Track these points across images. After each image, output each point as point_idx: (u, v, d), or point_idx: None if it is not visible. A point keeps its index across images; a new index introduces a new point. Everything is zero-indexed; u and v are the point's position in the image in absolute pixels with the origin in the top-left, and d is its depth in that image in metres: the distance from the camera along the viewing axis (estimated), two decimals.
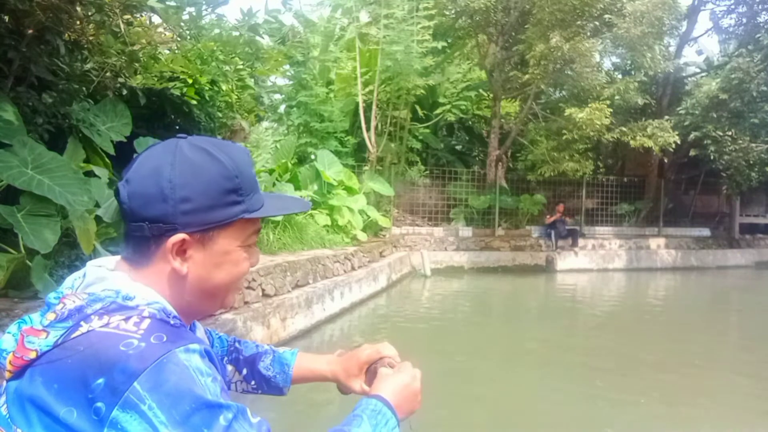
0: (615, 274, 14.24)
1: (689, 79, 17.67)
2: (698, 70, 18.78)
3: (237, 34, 8.52)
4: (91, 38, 5.91)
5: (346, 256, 9.10)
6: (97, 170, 5.31)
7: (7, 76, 4.88)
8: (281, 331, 6.15)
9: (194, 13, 7.32)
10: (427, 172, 15.65)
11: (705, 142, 14.50)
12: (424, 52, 13.30)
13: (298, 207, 0.93)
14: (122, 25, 5.69)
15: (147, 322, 0.72)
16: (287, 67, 15.54)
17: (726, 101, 13.96)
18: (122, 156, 5.66)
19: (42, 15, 4.84)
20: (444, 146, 16.98)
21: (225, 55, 8.61)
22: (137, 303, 0.75)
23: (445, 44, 14.99)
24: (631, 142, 13.92)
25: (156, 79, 7.76)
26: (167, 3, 6.26)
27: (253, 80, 10.34)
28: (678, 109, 14.93)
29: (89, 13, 5.50)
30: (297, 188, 10.04)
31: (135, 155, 0.83)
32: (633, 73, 15.19)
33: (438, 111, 15.42)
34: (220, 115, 8.49)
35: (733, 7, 16.21)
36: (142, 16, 6.98)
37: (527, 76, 13.28)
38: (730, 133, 14.31)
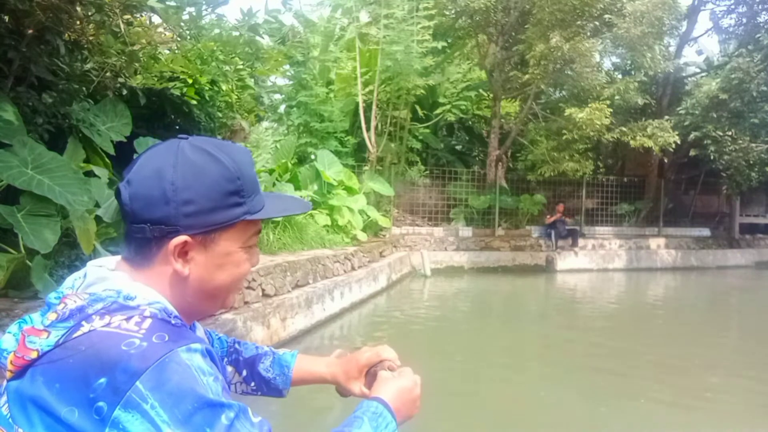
0: (615, 274, 14.24)
1: (689, 79, 17.67)
2: (698, 70, 18.78)
3: (237, 34, 8.51)
4: (91, 38, 5.91)
5: (346, 256, 9.10)
6: (97, 170, 5.31)
7: (7, 76, 4.88)
8: (281, 331, 6.15)
9: (194, 13, 7.31)
10: (427, 172, 15.65)
11: (705, 142, 14.50)
12: (424, 52, 13.30)
13: (299, 208, 0.93)
14: (122, 25, 5.69)
15: (148, 321, 0.72)
16: (287, 67, 15.54)
17: (726, 101, 13.96)
18: (122, 156, 5.66)
19: (42, 15, 4.84)
20: (444, 146, 16.98)
21: (225, 55, 8.61)
22: (138, 303, 0.75)
23: (445, 44, 14.99)
24: (631, 142, 13.92)
25: (156, 79, 7.76)
26: (167, 3, 6.26)
27: (253, 80, 10.34)
28: (678, 109, 14.93)
29: (89, 13, 5.50)
30: (297, 188, 10.04)
31: (135, 156, 0.83)
32: (633, 73, 15.19)
33: (438, 111, 15.42)
34: (220, 115, 8.49)
35: (733, 7, 16.22)
36: (142, 16, 6.97)
37: (527, 76, 13.28)
38: (730, 133, 14.32)
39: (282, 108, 17.40)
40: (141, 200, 0.78)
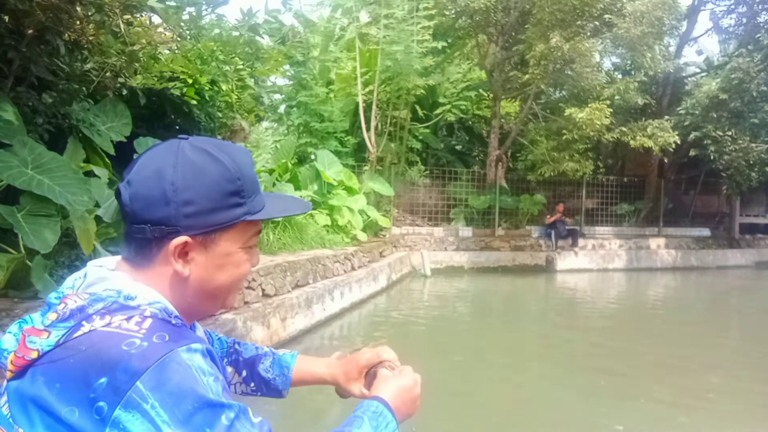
0: (615, 274, 14.24)
1: (689, 79, 17.67)
2: (698, 70, 18.78)
3: (237, 34, 8.51)
4: (91, 38, 5.91)
5: (346, 256, 9.10)
6: (97, 170, 5.31)
7: (7, 76, 4.88)
8: (281, 331, 6.15)
9: (194, 13, 7.31)
10: (427, 172, 15.65)
11: (705, 142, 14.50)
12: (424, 52, 13.30)
13: (299, 208, 0.93)
14: (122, 25, 5.69)
15: (149, 321, 0.72)
16: (287, 67, 15.54)
17: (726, 101, 13.96)
18: (122, 156, 5.67)
19: (42, 15, 4.84)
20: (444, 146, 16.98)
21: (225, 55, 8.61)
22: (139, 303, 0.75)
23: (445, 44, 14.99)
24: (631, 142, 13.92)
25: (156, 79, 7.76)
26: (167, 3, 6.26)
27: (253, 80, 10.33)
28: (678, 109, 14.93)
29: (89, 13, 5.50)
30: (297, 188, 10.04)
31: (135, 156, 0.83)
32: (633, 73, 15.19)
33: (438, 111, 15.42)
34: (220, 115, 8.49)
35: (733, 7, 16.22)
36: (142, 16, 6.97)
37: (527, 76, 13.28)
38: (730, 133, 14.31)
39: (282, 108, 17.40)
40: (141, 201, 0.78)
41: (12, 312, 3.56)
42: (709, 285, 13.61)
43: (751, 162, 14.42)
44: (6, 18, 4.98)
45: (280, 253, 7.80)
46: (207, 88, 8.06)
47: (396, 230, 13.66)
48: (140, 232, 0.78)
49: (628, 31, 12.69)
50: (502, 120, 15.66)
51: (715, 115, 14.19)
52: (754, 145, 14.31)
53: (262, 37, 9.49)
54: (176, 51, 8.04)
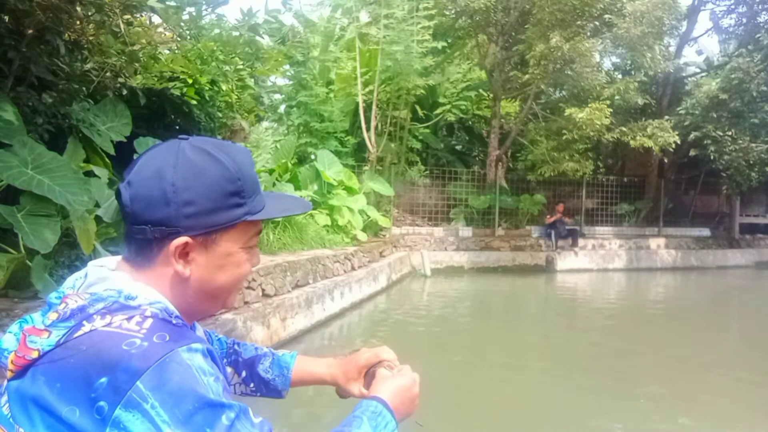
0: (615, 274, 14.24)
1: (689, 79, 17.67)
2: (698, 70, 18.78)
3: (237, 34, 8.52)
4: (91, 38, 5.91)
5: (346, 256, 9.11)
6: (97, 170, 5.31)
7: (7, 76, 4.88)
8: (281, 331, 6.15)
9: (194, 13, 7.32)
10: (427, 172, 15.65)
11: (705, 142, 14.50)
12: (424, 52, 13.30)
13: (299, 208, 0.93)
14: (122, 25, 5.69)
15: (149, 321, 0.72)
16: (287, 67, 15.54)
17: (726, 101, 13.96)
18: (122, 156, 5.67)
19: (42, 15, 4.84)
20: (444, 146, 16.98)
21: (225, 55, 8.61)
22: (139, 303, 0.75)
23: (445, 44, 14.99)
24: (631, 142, 13.92)
25: (156, 79, 7.76)
26: (167, 3, 6.26)
27: (253, 80, 10.33)
28: (678, 109, 14.93)
29: (89, 13, 5.50)
30: (297, 188, 10.04)
31: (136, 156, 0.83)
32: (633, 73, 15.18)
33: (438, 111, 15.42)
34: (220, 115, 8.48)
35: (733, 7, 16.21)
36: (142, 16, 6.97)
37: (527, 76, 13.28)
38: (730, 133, 14.31)
39: (282, 108, 17.40)
40: (141, 201, 0.78)
41: (12, 312, 3.56)
42: (709, 285, 13.61)
43: (751, 162, 14.42)
44: (6, 18, 4.98)
45: (280, 253, 7.80)
46: (207, 88, 8.06)
47: (396, 230, 13.66)
48: (141, 233, 0.78)
49: (628, 31, 12.69)
50: (502, 120, 15.66)
51: (715, 115, 14.19)
52: (754, 145, 14.31)
53: (262, 37, 9.50)
54: (176, 51, 8.04)
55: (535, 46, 12.51)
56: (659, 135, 13.61)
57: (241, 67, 9.17)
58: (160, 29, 7.45)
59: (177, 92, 7.51)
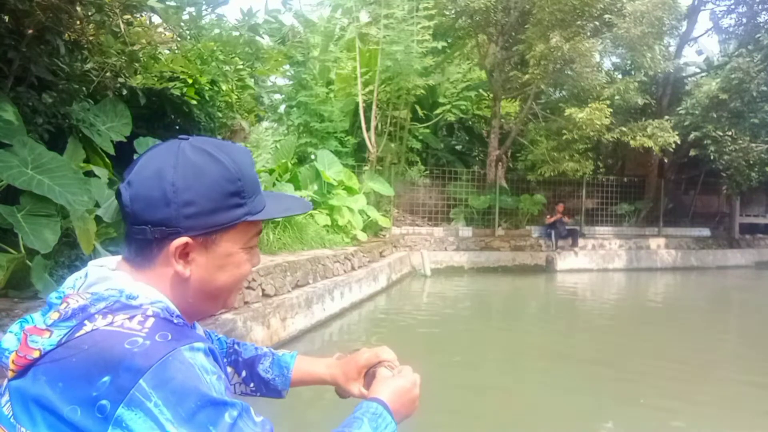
0: (615, 274, 14.24)
1: (689, 79, 17.67)
2: (698, 70, 18.78)
3: (237, 34, 8.51)
4: (91, 38, 5.91)
5: (346, 256, 9.11)
6: (97, 170, 5.31)
7: (7, 76, 4.88)
8: (281, 331, 6.15)
9: (194, 13, 7.32)
10: (427, 172, 15.65)
11: (705, 142, 14.50)
12: (424, 52, 13.30)
13: (299, 208, 0.93)
14: (122, 25, 5.69)
15: (151, 320, 0.72)
16: (287, 67, 15.53)
17: (726, 101, 13.96)
18: (122, 156, 5.67)
19: (42, 15, 4.84)
20: (444, 146, 16.98)
21: (225, 55, 8.61)
22: (141, 302, 0.75)
23: (445, 44, 14.99)
24: (631, 142, 13.92)
25: (156, 79, 7.76)
26: (167, 3, 6.26)
27: (253, 80, 10.33)
28: (678, 109, 14.93)
29: (89, 13, 5.50)
30: (297, 188, 10.04)
31: (136, 156, 0.83)
32: (633, 73, 15.18)
33: (438, 111, 15.42)
34: (220, 115, 8.48)
35: (733, 7, 16.21)
36: (142, 16, 6.97)
37: (527, 76, 13.28)
38: (730, 133, 14.31)
39: (282, 108, 17.40)
40: (142, 202, 0.78)
41: (12, 312, 3.56)
42: (709, 285, 13.61)
43: (751, 162, 14.42)
44: (6, 18, 4.99)
45: (280, 253, 7.81)
46: (207, 88, 8.06)
47: (396, 230, 13.66)
48: (141, 233, 0.78)
49: (628, 31, 12.69)
50: (502, 120, 15.66)
51: (715, 115, 14.19)
52: (754, 145, 14.31)
53: (262, 37, 9.50)
54: (176, 51, 8.04)
55: (535, 46, 12.51)
56: (659, 135, 13.61)
57: (241, 67, 9.17)
58: (160, 29, 7.45)
59: (177, 92, 7.51)
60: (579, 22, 12.65)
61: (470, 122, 17.33)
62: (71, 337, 0.71)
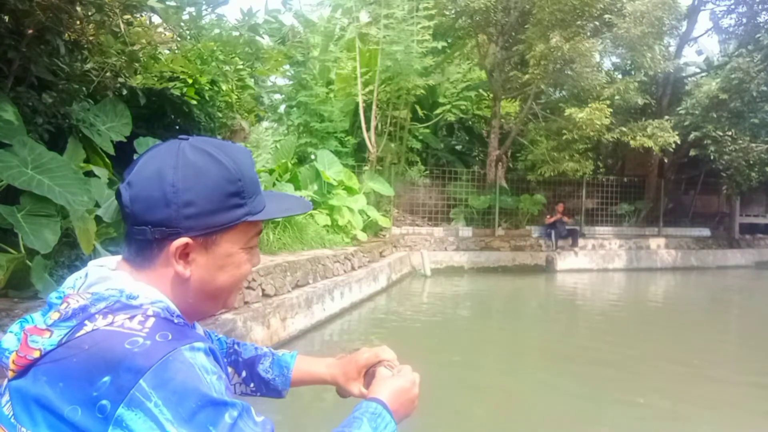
0: (615, 274, 14.24)
1: (689, 79, 17.67)
2: (698, 70, 18.78)
3: (237, 34, 8.51)
4: (91, 38, 5.91)
5: (346, 256, 9.11)
6: (97, 170, 5.32)
7: (7, 76, 4.88)
8: (281, 331, 6.15)
9: (194, 13, 7.31)
10: (427, 172, 15.65)
11: (705, 142, 14.50)
12: (424, 52, 13.30)
13: (300, 208, 0.93)
14: (122, 25, 5.69)
15: (151, 320, 0.72)
16: (287, 67, 15.54)
17: (726, 101, 13.96)
18: (122, 156, 5.67)
19: (42, 15, 4.84)
20: (444, 146, 16.98)
21: (225, 55, 8.61)
22: (141, 302, 0.75)
23: (445, 44, 14.99)
24: (631, 142, 13.92)
25: (156, 79, 7.76)
26: (167, 3, 6.25)
27: (253, 80, 10.33)
28: (678, 109, 14.93)
29: (89, 13, 5.50)
30: (297, 188, 10.04)
31: (136, 156, 0.83)
32: (633, 73, 15.19)
33: (438, 111, 15.42)
34: (220, 115, 8.48)
35: (733, 7, 16.21)
36: (142, 16, 6.97)
37: (527, 76, 13.28)
38: (730, 133, 14.32)
39: (282, 108, 17.40)
40: (142, 202, 0.78)
41: (12, 312, 3.56)
42: (709, 285, 13.61)
43: (751, 162, 14.42)
44: (6, 18, 4.99)
45: (280, 253, 7.81)
46: (207, 88, 8.06)
47: (396, 230, 13.66)
48: (141, 234, 0.78)
49: (628, 31, 12.69)
50: (502, 120, 15.66)
51: (715, 115, 14.20)
52: (754, 145, 14.31)
53: (262, 37, 9.49)
54: (176, 51, 8.04)
55: (535, 46, 12.52)
56: (659, 135, 13.61)
57: (241, 67, 9.17)
58: (160, 29, 7.45)
59: (177, 92, 7.52)
60: (579, 22, 12.66)
61: (470, 122, 17.32)
62: (72, 337, 0.71)
